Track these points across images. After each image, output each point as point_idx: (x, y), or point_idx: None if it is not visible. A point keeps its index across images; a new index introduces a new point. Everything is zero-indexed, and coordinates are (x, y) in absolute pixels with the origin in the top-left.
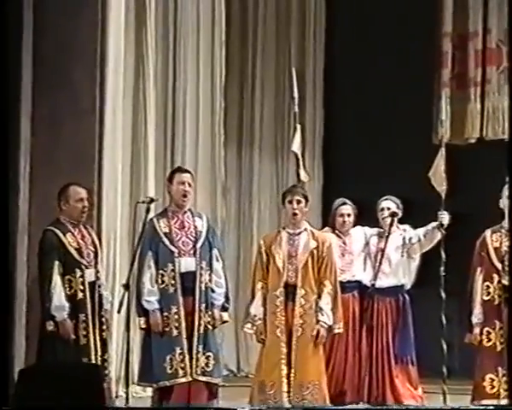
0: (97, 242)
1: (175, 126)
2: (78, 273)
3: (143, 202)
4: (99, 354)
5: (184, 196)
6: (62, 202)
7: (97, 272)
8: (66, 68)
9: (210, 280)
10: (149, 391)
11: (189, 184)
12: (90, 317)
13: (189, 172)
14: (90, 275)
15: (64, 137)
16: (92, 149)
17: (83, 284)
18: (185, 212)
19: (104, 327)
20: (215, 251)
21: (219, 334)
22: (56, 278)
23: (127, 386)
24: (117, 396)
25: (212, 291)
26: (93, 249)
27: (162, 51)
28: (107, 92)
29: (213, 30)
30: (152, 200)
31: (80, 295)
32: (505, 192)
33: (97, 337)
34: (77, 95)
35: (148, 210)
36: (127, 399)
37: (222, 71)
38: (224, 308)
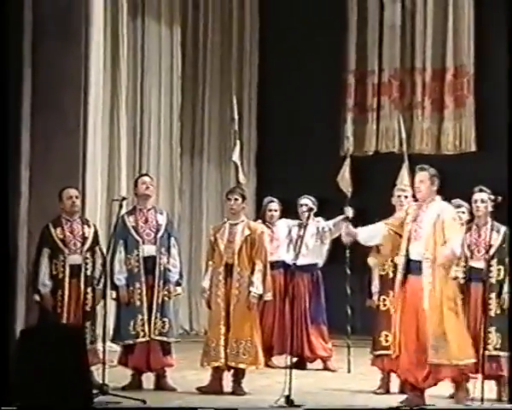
0: (88, 234)
1: (142, 142)
2: (61, 258)
3: (117, 200)
4: (80, 322)
5: (147, 195)
6: (60, 202)
7: (85, 258)
8: (57, 95)
9: (168, 262)
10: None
11: (150, 186)
12: (66, 292)
13: (149, 176)
14: (72, 260)
15: (56, 149)
16: (77, 159)
17: (63, 266)
18: (149, 209)
19: (87, 301)
20: (172, 239)
21: (175, 303)
22: (43, 261)
23: (104, 343)
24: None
25: (169, 271)
26: (81, 240)
27: (132, 83)
28: (89, 114)
29: (172, 67)
30: (124, 198)
31: (61, 275)
32: (396, 192)
33: (79, 310)
34: (65, 116)
35: (120, 206)
36: (104, 352)
37: (178, 99)
38: (178, 284)
